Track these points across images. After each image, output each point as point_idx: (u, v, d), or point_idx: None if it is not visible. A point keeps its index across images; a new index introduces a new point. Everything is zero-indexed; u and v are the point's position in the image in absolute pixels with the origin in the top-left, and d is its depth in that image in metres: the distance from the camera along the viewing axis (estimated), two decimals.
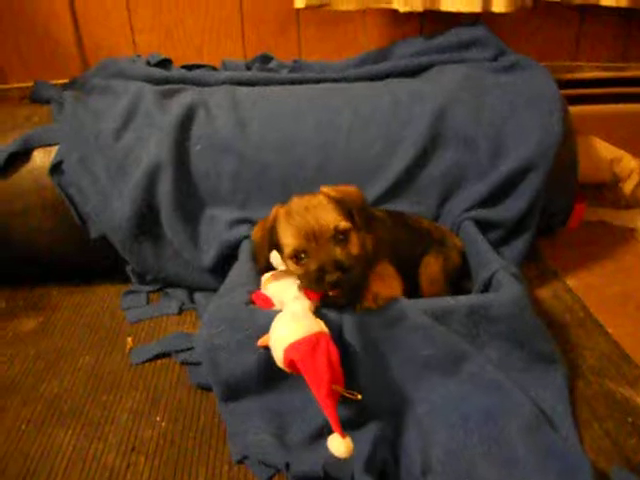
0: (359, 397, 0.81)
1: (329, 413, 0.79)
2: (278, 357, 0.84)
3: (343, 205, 0.95)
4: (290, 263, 0.94)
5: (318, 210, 0.93)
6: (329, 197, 0.95)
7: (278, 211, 0.97)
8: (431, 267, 1.14)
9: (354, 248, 0.93)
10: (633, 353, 1.09)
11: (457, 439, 0.87)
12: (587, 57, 1.72)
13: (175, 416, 0.98)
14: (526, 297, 0.99)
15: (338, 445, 0.78)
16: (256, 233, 1.02)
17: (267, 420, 0.91)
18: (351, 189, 0.99)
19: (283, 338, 0.83)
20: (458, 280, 1.20)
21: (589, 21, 1.67)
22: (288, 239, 0.93)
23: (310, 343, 0.81)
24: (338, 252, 0.90)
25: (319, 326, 0.85)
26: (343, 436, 0.78)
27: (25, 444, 0.94)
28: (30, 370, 1.11)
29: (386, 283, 1.00)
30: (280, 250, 0.97)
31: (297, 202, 0.96)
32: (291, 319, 0.86)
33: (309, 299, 0.92)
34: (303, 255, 0.92)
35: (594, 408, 0.96)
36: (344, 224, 0.92)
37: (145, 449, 0.92)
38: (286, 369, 0.84)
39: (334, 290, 0.92)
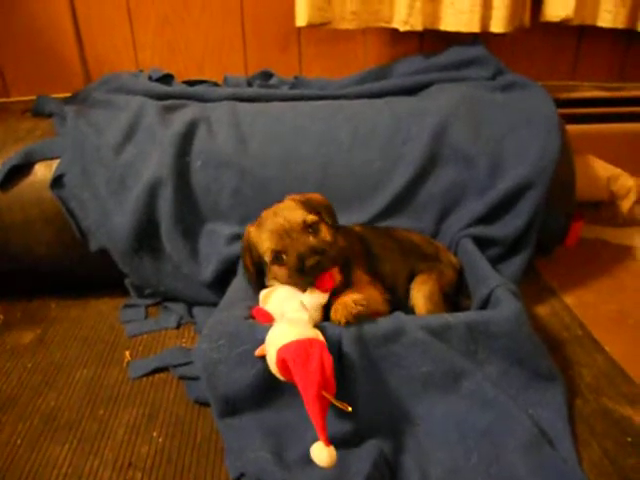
0: (349, 409, 0.80)
1: (315, 418, 0.77)
2: (271, 358, 0.84)
3: (309, 205, 1.04)
4: (275, 268, 1.00)
5: (286, 211, 1.02)
6: (295, 200, 1.04)
7: (249, 228, 1.06)
8: (425, 284, 1.14)
9: (326, 236, 1.01)
10: (631, 371, 1.09)
11: (456, 458, 0.87)
12: (584, 77, 1.74)
13: (172, 432, 0.98)
14: (524, 314, 0.99)
15: (320, 452, 0.77)
16: (243, 259, 1.08)
17: (265, 437, 0.91)
18: (315, 194, 1.09)
19: (278, 339, 0.84)
20: (455, 297, 1.20)
21: (587, 41, 1.70)
22: (265, 243, 1.00)
23: (303, 345, 0.81)
24: (311, 239, 0.98)
25: (315, 333, 0.86)
26: (327, 444, 0.77)
27: (21, 459, 0.93)
28: (27, 383, 1.10)
29: (362, 292, 1.01)
30: (264, 262, 1.02)
31: (265, 212, 1.05)
32: (288, 324, 0.86)
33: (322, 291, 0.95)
34: (283, 255, 0.98)
35: (592, 427, 0.96)
36: (311, 217, 1.00)
37: (142, 465, 0.91)
38: (279, 372, 0.83)
39: (317, 274, 0.97)
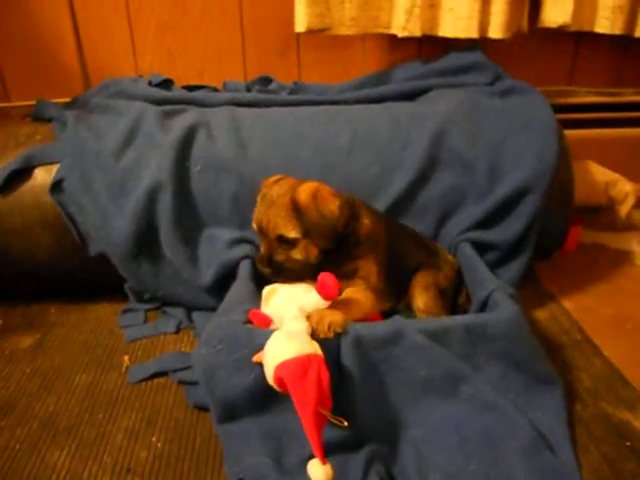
0: (345, 424, 0.80)
1: (311, 436, 0.77)
2: (269, 374, 0.84)
3: (301, 219, 1.00)
4: None
5: (276, 210, 1.00)
6: (294, 204, 1.00)
7: (264, 182, 1.09)
8: (423, 277, 1.15)
9: (297, 255, 1.01)
10: (629, 375, 1.09)
11: (456, 463, 0.86)
12: (582, 82, 1.75)
13: (171, 436, 0.98)
14: (522, 317, 0.99)
15: (316, 471, 0.77)
16: None
17: (264, 442, 0.90)
18: (323, 209, 1.01)
19: (275, 356, 0.83)
20: (454, 298, 1.21)
21: (584, 47, 1.71)
22: (254, 215, 1.05)
23: (301, 363, 0.81)
24: (278, 254, 1.02)
25: (313, 348, 0.85)
26: (324, 462, 0.77)
27: (19, 464, 0.92)
28: (26, 388, 1.10)
29: (357, 292, 1.03)
30: None
31: (269, 187, 1.05)
32: (286, 338, 0.86)
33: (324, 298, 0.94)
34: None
35: (591, 431, 0.96)
36: (292, 235, 1.00)
37: (140, 470, 0.91)
38: (276, 387, 0.84)
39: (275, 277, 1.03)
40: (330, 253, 1.05)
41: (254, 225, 1.05)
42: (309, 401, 0.78)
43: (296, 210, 1.00)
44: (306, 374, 0.80)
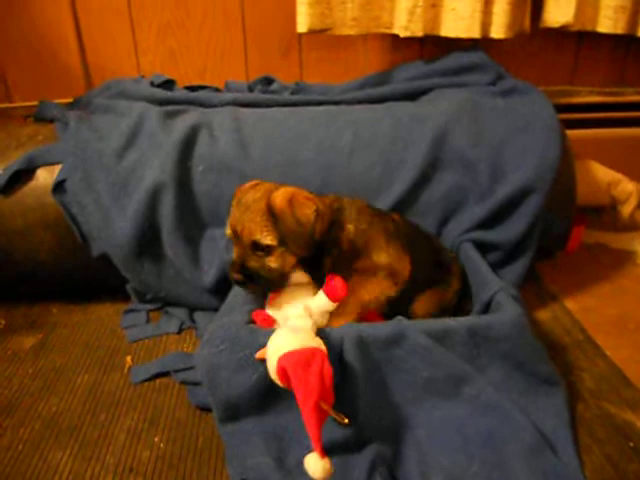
0: (346, 420, 0.80)
1: (311, 429, 0.76)
2: (272, 366, 0.84)
3: (276, 225, 0.96)
4: None
5: (251, 215, 0.96)
6: (269, 209, 0.96)
7: (239, 189, 1.04)
8: (430, 299, 1.14)
9: (272, 263, 0.97)
10: (632, 376, 1.09)
11: (459, 463, 0.86)
12: (584, 82, 1.74)
13: (174, 437, 0.98)
14: (525, 318, 0.99)
15: (314, 464, 0.75)
16: None
17: (267, 442, 0.91)
18: (299, 214, 0.97)
19: (279, 347, 0.83)
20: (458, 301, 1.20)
21: (586, 47, 1.70)
22: (228, 221, 1.01)
23: (305, 355, 0.81)
24: (252, 261, 0.97)
25: (317, 343, 0.85)
26: (322, 456, 0.75)
27: (22, 464, 0.93)
28: (28, 389, 1.10)
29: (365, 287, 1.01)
30: None
31: (244, 192, 1.01)
32: (290, 331, 0.86)
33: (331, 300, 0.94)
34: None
35: (594, 432, 0.96)
36: (267, 241, 0.96)
37: (143, 470, 0.91)
38: (279, 380, 0.83)
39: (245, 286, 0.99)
40: (309, 263, 1.02)
41: (227, 231, 1.01)
42: (311, 393, 0.77)
43: (272, 215, 0.96)
44: (309, 366, 0.80)
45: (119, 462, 0.93)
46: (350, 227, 1.05)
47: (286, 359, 0.81)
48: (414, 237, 1.16)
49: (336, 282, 0.93)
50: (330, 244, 1.03)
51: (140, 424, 1.01)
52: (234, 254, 1.01)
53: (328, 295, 0.94)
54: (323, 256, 1.03)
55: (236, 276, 0.98)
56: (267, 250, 0.97)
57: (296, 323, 0.89)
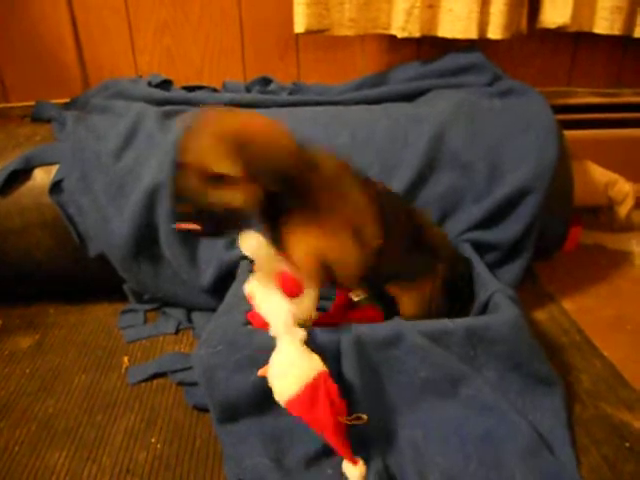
0: (365, 417, 0.81)
1: (338, 447, 0.80)
2: (276, 390, 0.83)
3: (242, 154, 0.78)
4: None
5: (210, 140, 0.78)
6: (235, 137, 0.78)
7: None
8: (411, 299, 1.08)
9: (232, 200, 0.78)
10: (629, 376, 1.09)
11: (456, 464, 0.86)
12: (581, 83, 1.75)
13: (171, 437, 0.98)
14: (523, 319, 0.99)
15: (352, 473, 0.81)
16: None
17: (264, 443, 0.90)
18: (272, 142, 0.80)
19: (282, 391, 0.82)
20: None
21: (583, 48, 1.71)
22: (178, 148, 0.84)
23: (307, 394, 0.80)
24: (207, 196, 0.78)
25: (315, 365, 0.83)
26: (355, 462, 0.81)
27: (18, 465, 0.92)
28: (25, 389, 1.10)
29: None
30: None
31: (205, 118, 0.81)
32: (287, 364, 0.83)
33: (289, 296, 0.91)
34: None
35: (591, 432, 0.96)
36: (224, 167, 0.77)
37: (140, 471, 0.91)
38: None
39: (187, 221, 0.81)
40: (268, 213, 0.85)
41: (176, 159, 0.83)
42: (326, 424, 0.79)
43: (238, 143, 0.79)
44: (316, 403, 0.80)
45: (116, 463, 0.93)
46: (324, 172, 0.89)
47: (292, 409, 0.81)
48: (394, 209, 1.03)
49: (283, 279, 0.92)
50: (296, 190, 0.84)
51: (137, 425, 1.01)
52: (185, 188, 0.79)
53: (284, 291, 0.92)
54: (282, 210, 0.86)
55: (179, 207, 0.80)
56: (228, 182, 0.79)
57: (286, 348, 0.84)
